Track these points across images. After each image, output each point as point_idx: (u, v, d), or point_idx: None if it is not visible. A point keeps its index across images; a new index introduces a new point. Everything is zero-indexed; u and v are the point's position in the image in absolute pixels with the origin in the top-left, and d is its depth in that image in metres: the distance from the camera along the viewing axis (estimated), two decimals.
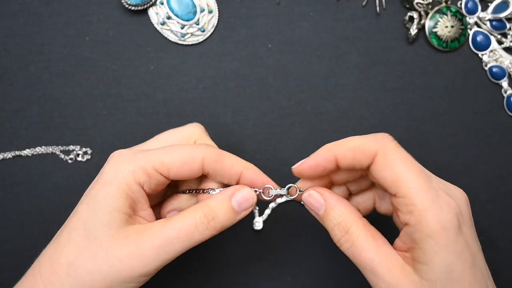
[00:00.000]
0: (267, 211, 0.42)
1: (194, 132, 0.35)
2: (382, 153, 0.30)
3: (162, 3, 0.43)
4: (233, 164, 0.33)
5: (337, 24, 0.44)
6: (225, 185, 0.34)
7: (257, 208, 0.42)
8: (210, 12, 0.43)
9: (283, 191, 0.33)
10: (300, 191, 0.33)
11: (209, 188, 0.33)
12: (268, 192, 0.33)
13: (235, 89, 0.43)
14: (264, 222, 0.42)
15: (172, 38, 0.43)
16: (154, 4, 0.43)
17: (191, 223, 0.30)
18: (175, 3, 0.43)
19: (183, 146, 0.32)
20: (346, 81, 0.44)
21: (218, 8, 0.44)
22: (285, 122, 0.43)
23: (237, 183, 0.33)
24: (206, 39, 0.44)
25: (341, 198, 0.32)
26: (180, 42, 0.43)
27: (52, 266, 0.29)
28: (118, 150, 0.33)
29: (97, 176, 0.32)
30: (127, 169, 0.31)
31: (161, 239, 0.29)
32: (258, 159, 0.43)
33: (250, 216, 0.43)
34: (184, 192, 0.34)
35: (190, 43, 0.43)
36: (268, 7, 0.44)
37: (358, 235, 0.30)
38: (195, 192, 0.34)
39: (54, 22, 0.42)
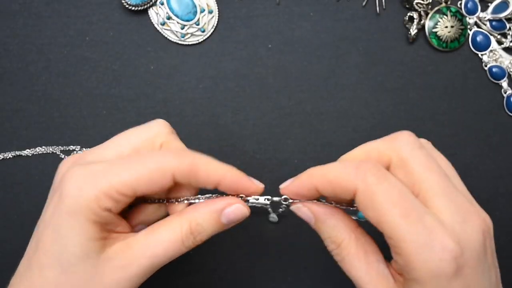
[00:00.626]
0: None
1: (159, 132, 0.31)
2: (362, 190, 0.26)
3: (162, 3, 0.43)
4: (209, 173, 0.29)
5: (337, 24, 0.44)
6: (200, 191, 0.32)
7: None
8: (210, 12, 0.43)
9: (265, 201, 0.31)
10: (284, 201, 0.31)
11: (184, 198, 0.31)
12: (250, 200, 0.31)
13: (235, 89, 0.44)
14: (263, 222, 0.42)
15: (172, 38, 0.43)
16: (154, 4, 0.43)
17: (177, 239, 0.28)
18: (175, 3, 0.43)
19: (149, 158, 0.28)
20: (346, 81, 0.44)
21: (218, 8, 0.44)
22: (285, 122, 0.43)
23: (215, 187, 0.30)
24: (206, 39, 0.44)
25: (332, 209, 0.30)
26: (180, 42, 0.43)
27: None
28: (69, 165, 0.29)
29: (53, 197, 0.29)
30: (90, 196, 0.27)
31: (147, 259, 0.27)
32: (258, 159, 0.43)
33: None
34: (152, 202, 0.31)
35: (190, 43, 0.43)
36: (268, 7, 0.44)
37: (349, 251, 0.28)
38: (166, 202, 0.31)
39: (54, 22, 0.42)
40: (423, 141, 0.31)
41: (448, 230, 0.25)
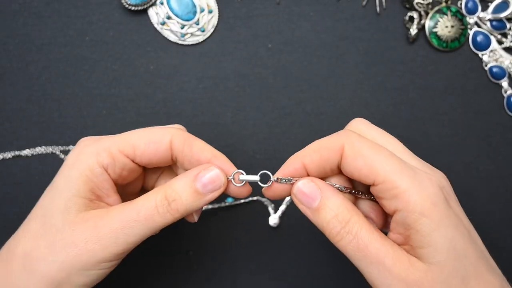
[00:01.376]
0: (282, 207, 0.42)
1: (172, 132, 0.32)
2: (349, 145, 0.28)
3: (162, 3, 0.43)
4: (202, 148, 0.30)
5: (337, 24, 0.44)
6: None
7: (273, 204, 0.42)
8: (210, 12, 0.43)
9: (256, 177, 0.30)
10: (276, 179, 0.30)
11: None
12: (239, 177, 0.30)
13: (235, 89, 0.43)
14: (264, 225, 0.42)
15: (172, 38, 0.43)
16: (154, 4, 0.43)
17: (151, 205, 0.28)
18: (175, 3, 0.43)
19: (150, 128, 0.31)
20: (346, 81, 0.44)
21: (218, 8, 0.44)
22: (285, 122, 0.43)
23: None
24: (206, 39, 0.44)
25: (335, 189, 0.30)
26: (180, 42, 0.43)
27: (8, 256, 0.28)
28: (87, 137, 0.31)
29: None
30: (90, 151, 0.29)
31: (119, 222, 0.28)
32: (258, 159, 0.43)
33: (263, 213, 0.43)
34: None
35: (190, 43, 0.43)
36: (268, 7, 0.44)
37: (362, 225, 0.27)
38: None
39: (54, 22, 0.42)
40: (360, 122, 0.32)
41: (428, 172, 0.28)
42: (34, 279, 0.27)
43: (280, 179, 0.30)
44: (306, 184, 0.29)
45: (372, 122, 0.44)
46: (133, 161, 0.30)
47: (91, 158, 0.29)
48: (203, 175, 0.29)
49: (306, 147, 0.30)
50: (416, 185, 0.26)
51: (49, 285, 0.27)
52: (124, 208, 0.28)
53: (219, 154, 0.31)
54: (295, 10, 0.44)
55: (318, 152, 0.29)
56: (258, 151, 0.43)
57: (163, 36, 0.43)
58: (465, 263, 0.26)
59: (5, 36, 0.42)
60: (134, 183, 0.33)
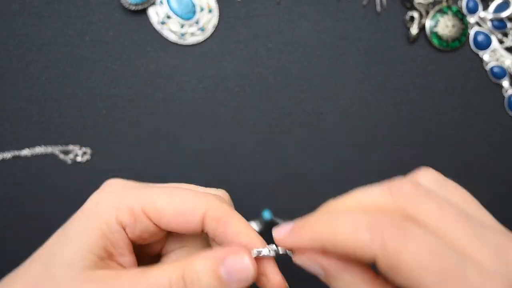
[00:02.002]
0: None
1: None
2: (383, 257, 0.21)
3: (162, 3, 0.42)
4: (239, 231, 0.26)
5: (337, 24, 0.44)
6: None
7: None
8: (210, 11, 0.43)
9: (269, 252, 0.26)
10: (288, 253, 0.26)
11: None
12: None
13: (235, 89, 0.43)
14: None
15: (172, 37, 0.43)
16: (154, 3, 0.43)
17: (164, 283, 0.24)
18: (175, 3, 0.42)
19: (185, 192, 0.27)
20: (346, 81, 0.44)
21: (218, 8, 0.44)
22: (285, 122, 0.43)
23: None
24: (206, 39, 0.44)
25: (344, 263, 0.24)
26: (180, 42, 0.43)
27: None
28: (115, 179, 0.28)
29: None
30: (111, 203, 0.26)
31: None
32: (258, 159, 0.43)
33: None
34: None
35: (190, 43, 0.43)
36: (268, 7, 0.44)
37: None
38: None
39: (54, 22, 0.42)
40: (429, 176, 0.25)
41: (494, 277, 0.20)
42: None
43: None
44: (305, 263, 0.25)
45: (372, 122, 0.44)
46: (156, 225, 0.27)
47: (110, 212, 0.26)
48: (231, 261, 0.25)
49: (327, 224, 0.23)
50: None
51: None
52: (135, 279, 0.25)
53: (258, 241, 0.26)
54: (295, 10, 0.44)
55: (342, 251, 0.23)
56: (258, 151, 0.43)
57: (163, 36, 0.43)
58: None
59: (5, 36, 0.42)
60: (154, 245, 0.30)
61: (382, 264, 0.21)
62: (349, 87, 0.44)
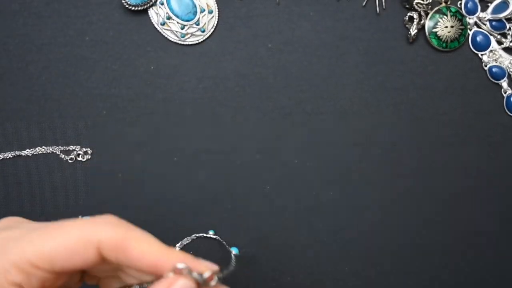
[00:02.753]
0: None
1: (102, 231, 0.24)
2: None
3: (162, 3, 0.43)
4: (143, 252, 0.23)
5: (337, 24, 0.44)
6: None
7: None
8: (210, 12, 0.43)
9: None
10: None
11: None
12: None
13: (235, 89, 0.43)
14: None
15: (172, 38, 0.43)
16: (154, 4, 0.43)
17: None
18: (175, 4, 0.43)
19: (72, 225, 0.24)
20: (346, 81, 0.44)
21: (218, 8, 0.44)
22: (285, 122, 0.43)
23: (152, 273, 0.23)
24: (206, 39, 0.44)
25: None
26: (180, 42, 0.43)
27: None
28: (3, 220, 0.26)
29: None
30: None
31: None
32: (258, 159, 0.43)
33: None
34: None
35: (190, 43, 0.43)
36: (268, 7, 0.44)
37: None
38: None
39: (54, 22, 0.42)
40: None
41: None
42: None
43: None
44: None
45: (373, 122, 0.44)
46: (51, 272, 0.24)
47: None
48: None
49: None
50: None
51: None
52: None
53: (165, 254, 0.23)
54: (295, 10, 0.44)
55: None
56: (258, 151, 0.43)
57: (163, 36, 0.43)
58: None
59: (5, 36, 0.42)
60: (72, 278, 0.27)
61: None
62: (349, 87, 0.44)
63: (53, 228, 0.24)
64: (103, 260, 0.24)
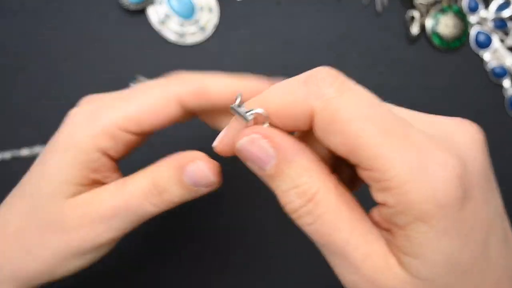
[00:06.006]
0: None
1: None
2: (320, 110, 0.19)
3: (161, 3, 0.42)
4: (220, 90, 0.25)
5: (338, 24, 0.44)
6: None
7: None
8: (210, 11, 0.43)
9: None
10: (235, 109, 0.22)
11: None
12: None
13: None
14: (262, 217, 0.42)
15: (172, 37, 0.43)
16: (153, 3, 0.42)
17: (139, 194, 0.24)
18: (175, 2, 0.42)
19: (153, 87, 0.26)
20: None
21: (218, 7, 0.43)
22: None
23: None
24: (206, 38, 0.44)
25: (301, 145, 0.21)
26: (180, 41, 0.43)
27: (0, 236, 0.26)
28: (78, 108, 0.27)
29: (56, 133, 0.27)
30: (86, 134, 0.25)
31: (111, 210, 0.24)
32: None
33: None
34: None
35: (190, 43, 0.43)
36: (268, 7, 0.44)
37: (328, 207, 0.20)
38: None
39: (54, 22, 0.42)
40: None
41: (442, 143, 0.19)
42: (31, 260, 0.25)
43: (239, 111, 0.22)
44: (256, 141, 0.21)
45: None
46: (138, 134, 0.26)
47: (87, 141, 0.25)
48: (190, 169, 0.24)
49: (260, 99, 0.22)
50: (419, 177, 0.18)
51: (45, 268, 0.26)
52: (114, 194, 0.25)
53: (244, 84, 0.25)
54: (295, 9, 0.44)
55: (278, 117, 0.21)
56: None
57: (163, 36, 0.43)
58: (467, 280, 0.18)
59: (5, 36, 0.42)
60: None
61: (319, 120, 0.19)
62: None
63: (136, 92, 0.26)
64: (186, 113, 0.26)
